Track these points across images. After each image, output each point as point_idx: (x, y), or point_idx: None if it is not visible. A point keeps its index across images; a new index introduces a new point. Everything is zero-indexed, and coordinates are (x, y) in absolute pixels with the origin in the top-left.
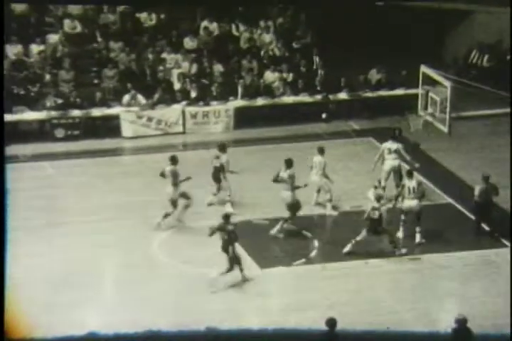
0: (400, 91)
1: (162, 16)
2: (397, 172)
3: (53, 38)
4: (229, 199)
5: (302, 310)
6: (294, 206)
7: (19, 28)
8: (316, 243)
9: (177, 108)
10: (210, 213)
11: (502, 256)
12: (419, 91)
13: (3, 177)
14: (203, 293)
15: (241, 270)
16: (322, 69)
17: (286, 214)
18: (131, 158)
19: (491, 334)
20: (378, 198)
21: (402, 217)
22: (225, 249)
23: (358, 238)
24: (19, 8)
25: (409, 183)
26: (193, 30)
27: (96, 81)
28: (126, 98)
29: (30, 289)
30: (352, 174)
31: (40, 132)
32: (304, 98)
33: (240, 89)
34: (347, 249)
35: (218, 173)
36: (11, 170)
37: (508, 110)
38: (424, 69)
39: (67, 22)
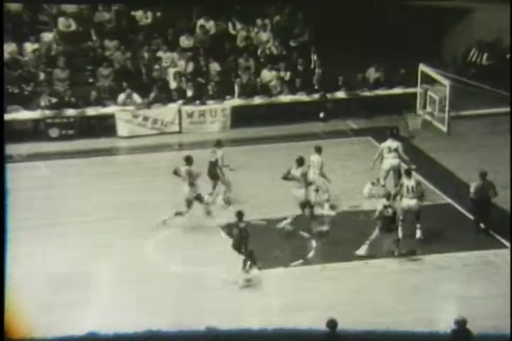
0: (398, 90)
1: (158, 14)
2: (396, 171)
3: (48, 36)
4: (228, 195)
5: (301, 310)
6: (308, 204)
7: (13, 26)
8: (314, 243)
9: (173, 107)
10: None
11: (502, 256)
12: (418, 90)
13: (3, 177)
14: (202, 293)
15: (251, 267)
16: (320, 68)
17: (298, 211)
18: (127, 158)
19: (491, 335)
20: (388, 196)
21: (401, 216)
22: (236, 247)
23: (372, 237)
24: (13, 6)
25: (408, 182)
26: (189, 28)
27: (91, 80)
28: (121, 97)
29: (30, 289)
30: (350, 173)
31: (35, 131)
32: (302, 97)
33: (236, 88)
34: (363, 251)
35: (214, 169)
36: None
37: (507, 109)
38: (422, 67)
39: (61, 20)
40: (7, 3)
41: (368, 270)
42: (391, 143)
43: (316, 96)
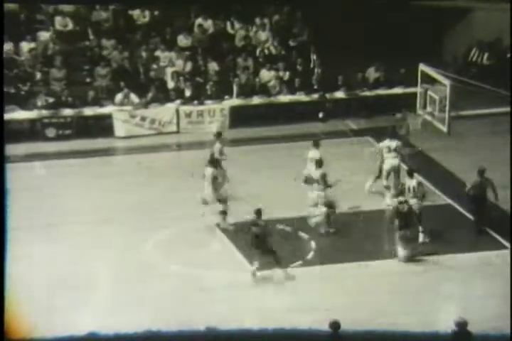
0: (398, 90)
1: (156, 13)
2: (396, 171)
3: (44, 35)
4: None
5: (301, 312)
6: (332, 203)
7: (9, 25)
8: (313, 244)
9: (171, 107)
10: (208, 213)
11: (502, 257)
12: (418, 89)
13: (3, 177)
14: (202, 293)
15: (276, 263)
16: (319, 68)
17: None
18: (125, 158)
19: (491, 335)
20: (400, 192)
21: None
22: (256, 245)
23: (398, 237)
24: (9, 5)
25: (410, 182)
26: (187, 27)
27: (88, 79)
28: (118, 97)
29: (30, 289)
30: (349, 174)
31: (31, 132)
32: (301, 97)
33: (235, 88)
34: (405, 254)
35: (212, 161)
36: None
37: (508, 109)
38: (422, 67)
39: (58, 19)
40: (7, 3)
41: (368, 271)
42: (390, 142)
43: (316, 96)
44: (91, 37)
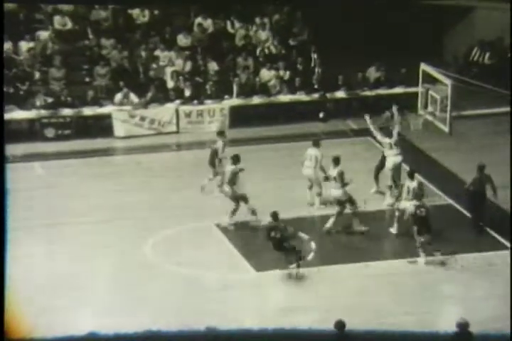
0: (399, 90)
1: (155, 12)
2: (397, 169)
3: (43, 34)
4: (220, 183)
5: (301, 312)
6: (351, 200)
7: (8, 24)
8: (313, 245)
9: (170, 107)
10: (208, 213)
11: (502, 257)
12: (419, 89)
13: (3, 177)
14: (201, 293)
15: (298, 265)
16: (319, 67)
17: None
18: (124, 158)
19: (491, 335)
20: (416, 196)
21: (396, 213)
22: (278, 248)
23: (418, 244)
24: (8, 4)
25: (410, 184)
26: (187, 26)
27: (87, 79)
28: (118, 97)
29: (29, 289)
30: (350, 174)
31: (30, 132)
32: (301, 96)
33: (235, 88)
34: (423, 259)
35: (213, 158)
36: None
37: (509, 109)
38: (424, 67)
39: (57, 18)
40: (7, 3)
41: (368, 272)
42: (390, 139)
43: (316, 95)
44: (90, 36)
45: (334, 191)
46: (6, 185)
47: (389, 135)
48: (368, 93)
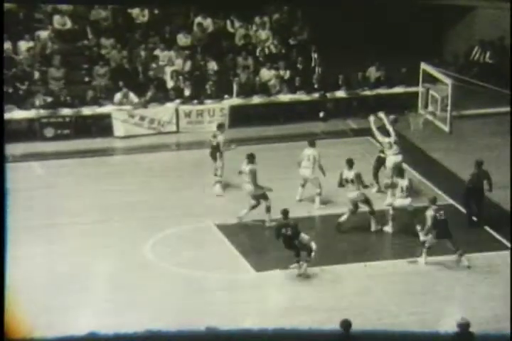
0: (399, 89)
1: (155, 12)
2: (396, 168)
3: (43, 34)
4: (220, 179)
5: (300, 312)
6: (367, 201)
7: (7, 24)
8: (313, 245)
9: (170, 106)
10: (208, 213)
11: (503, 258)
12: (420, 89)
13: (3, 177)
14: (201, 294)
15: (308, 259)
16: (320, 67)
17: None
18: (124, 158)
19: (491, 335)
20: (433, 200)
21: (391, 211)
22: (289, 245)
23: (427, 246)
24: (7, 4)
25: (402, 182)
26: (187, 26)
27: (87, 79)
28: (117, 96)
29: (29, 289)
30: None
31: (30, 131)
32: (301, 96)
33: (235, 87)
34: (423, 259)
35: (215, 152)
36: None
37: (509, 108)
38: (424, 66)
39: (56, 18)
40: (7, 3)
41: (368, 272)
42: (389, 138)
43: (316, 95)
44: (90, 36)
45: (350, 193)
46: (5, 185)
47: (388, 135)
48: (368, 93)
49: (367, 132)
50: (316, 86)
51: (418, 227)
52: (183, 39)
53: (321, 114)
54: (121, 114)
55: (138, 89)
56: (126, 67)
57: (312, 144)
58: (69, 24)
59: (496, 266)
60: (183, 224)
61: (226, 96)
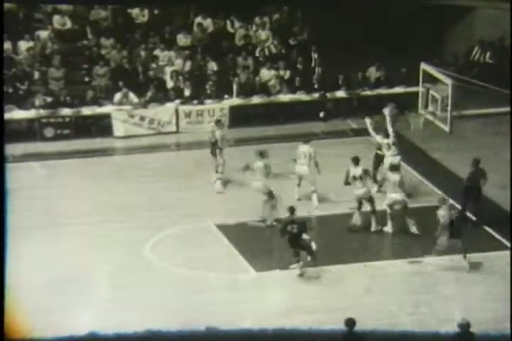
0: (399, 89)
1: (155, 12)
2: (397, 169)
3: (42, 34)
4: (221, 176)
5: (300, 312)
6: (371, 199)
7: (7, 24)
8: (313, 245)
9: (170, 107)
10: (208, 214)
11: (503, 258)
12: (420, 89)
13: (3, 177)
14: (201, 294)
15: (312, 259)
16: (320, 67)
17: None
18: (124, 158)
19: (491, 335)
20: (443, 200)
21: (388, 210)
22: (294, 244)
23: (438, 248)
24: (7, 4)
25: (393, 177)
26: (187, 26)
27: (87, 79)
28: (117, 96)
29: (29, 289)
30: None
31: (29, 131)
32: (301, 96)
33: (235, 87)
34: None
35: (214, 149)
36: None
37: (509, 108)
38: (424, 66)
39: (56, 18)
40: (7, 3)
41: (368, 272)
42: (387, 140)
43: (316, 95)
44: (89, 36)
45: (357, 190)
46: (5, 185)
47: (387, 135)
48: (368, 93)
49: (367, 132)
50: (316, 86)
51: (412, 226)
52: (183, 39)
53: (321, 114)
54: (121, 114)
55: (138, 89)
56: (126, 67)
57: (307, 141)
58: (69, 24)
59: (496, 266)
60: (183, 224)
61: (226, 96)
